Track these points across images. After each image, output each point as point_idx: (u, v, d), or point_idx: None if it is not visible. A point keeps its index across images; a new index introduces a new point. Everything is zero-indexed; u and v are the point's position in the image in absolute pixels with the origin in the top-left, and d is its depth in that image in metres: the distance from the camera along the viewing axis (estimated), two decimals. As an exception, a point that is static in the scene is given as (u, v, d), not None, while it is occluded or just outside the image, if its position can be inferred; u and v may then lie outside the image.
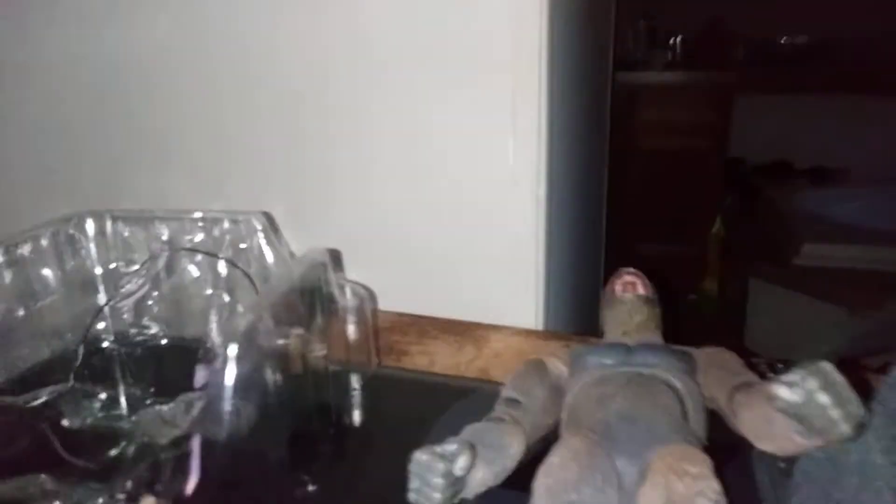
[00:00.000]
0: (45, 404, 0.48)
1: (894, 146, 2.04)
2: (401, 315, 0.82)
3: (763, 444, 0.38)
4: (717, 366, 0.47)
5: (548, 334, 0.83)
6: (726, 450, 0.47)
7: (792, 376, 0.33)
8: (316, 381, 0.52)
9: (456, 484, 0.39)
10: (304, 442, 0.52)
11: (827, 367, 0.33)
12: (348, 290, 0.58)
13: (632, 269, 0.54)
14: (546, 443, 0.44)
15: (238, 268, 0.53)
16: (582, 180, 1.24)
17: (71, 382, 0.50)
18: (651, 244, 2.57)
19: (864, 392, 0.39)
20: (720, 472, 0.48)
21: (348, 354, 0.58)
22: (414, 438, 0.52)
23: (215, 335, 0.39)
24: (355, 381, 0.58)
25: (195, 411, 0.39)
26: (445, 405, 0.58)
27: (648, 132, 2.38)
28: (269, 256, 0.57)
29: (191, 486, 0.37)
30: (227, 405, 0.38)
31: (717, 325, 2.18)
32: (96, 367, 0.53)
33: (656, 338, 0.52)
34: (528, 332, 0.80)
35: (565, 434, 0.44)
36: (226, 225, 0.58)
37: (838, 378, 0.32)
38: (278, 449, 0.50)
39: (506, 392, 0.49)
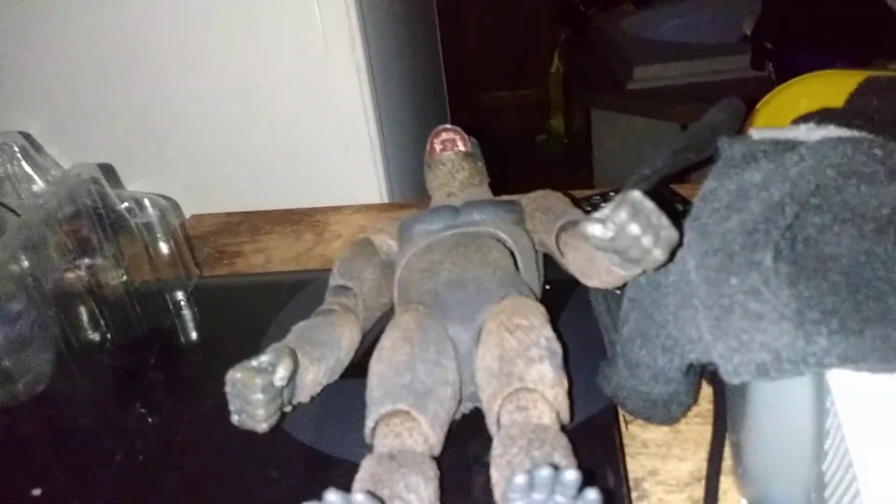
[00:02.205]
0: None
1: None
2: (229, 215, 0.76)
3: (590, 281, 0.38)
4: (542, 210, 0.46)
5: (391, 206, 0.80)
6: (567, 286, 0.47)
7: (601, 212, 0.31)
8: (123, 310, 0.47)
9: (281, 395, 0.36)
10: (129, 376, 0.47)
11: (635, 195, 0.31)
12: (145, 203, 0.51)
13: (448, 126, 0.51)
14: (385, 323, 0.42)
15: (-5, 202, 0.45)
16: (409, 37, 1.17)
17: None
18: (496, 91, 2.56)
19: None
20: (561, 309, 0.48)
21: (160, 272, 0.52)
22: (252, 345, 0.48)
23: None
24: (176, 299, 0.53)
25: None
26: (284, 303, 0.54)
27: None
28: (38, 181, 0.48)
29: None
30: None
31: (567, 160, 2.25)
32: None
33: (483, 192, 0.49)
34: (370, 208, 0.76)
35: (397, 311, 0.42)
36: (-25, 153, 0.49)
37: (647, 205, 0.31)
38: (98, 391, 0.45)
39: (333, 280, 0.46)
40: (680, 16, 2.03)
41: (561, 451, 0.31)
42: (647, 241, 0.31)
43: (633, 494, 0.39)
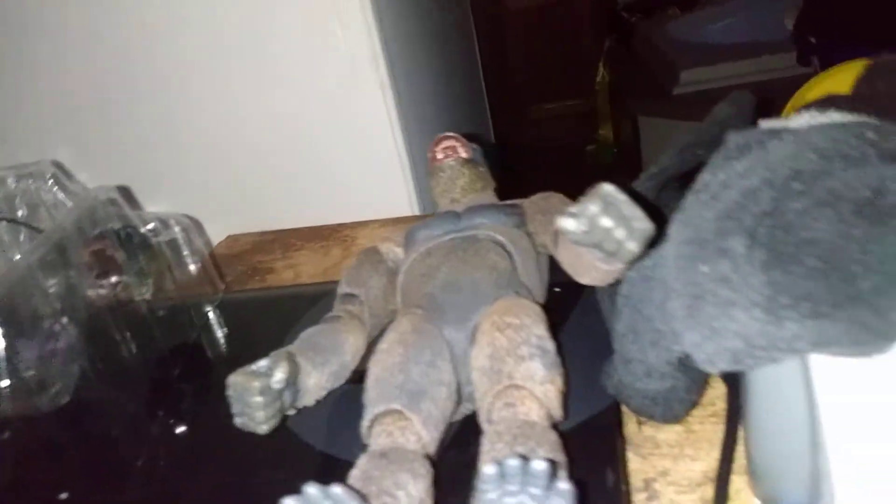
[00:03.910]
0: None
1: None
2: (262, 234, 0.78)
3: (580, 279, 0.38)
4: (541, 211, 0.46)
5: (416, 219, 0.82)
6: (577, 288, 0.47)
7: (574, 206, 0.31)
8: (148, 325, 0.49)
9: (281, 397, 0.37)
10: (153, 388, 0.49)
11: (606, 188, 0.31)
12: (170, 222, 0.54)
13: (449, 133, 0.52)
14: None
15: (28, 226, 0.48)
16: (440, 53, 1.18)
17: None
18: (543, 104, 2.56)
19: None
20: (571, 310, 0.48)
21: (185, 288, 0.54)
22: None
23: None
24: (201, 313, 0.55)
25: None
26: (303, 314, 0.55)
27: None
28: (68, 204, 0.51)
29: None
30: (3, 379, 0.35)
31: (618, 169, 2.22)
32: None
33: (486, 197, 0.50)
34: (396, 221, 0.78)
35: (397, 316, 0.43)
36: (12, 181, 0.52)
37: (620, 197, 0.31)
38: (123, 402, 0.47)
39: (340, 288, 0.47)
40: (725, 17, 1.99)
41: (547, 446, 0.31)
42: (619, 233, 0.31)
43: (643, 495, 0.39)
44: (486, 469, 0.26)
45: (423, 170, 0.88)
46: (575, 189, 0.57)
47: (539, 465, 0.26)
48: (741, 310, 0.27)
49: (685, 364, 0.36)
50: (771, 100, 0.54)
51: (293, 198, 0.84)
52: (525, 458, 0.26)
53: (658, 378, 0.35)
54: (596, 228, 0.30)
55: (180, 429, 0.46)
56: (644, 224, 0.31)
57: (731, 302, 0.27)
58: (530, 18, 2.40)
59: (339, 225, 0.77)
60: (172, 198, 0.69)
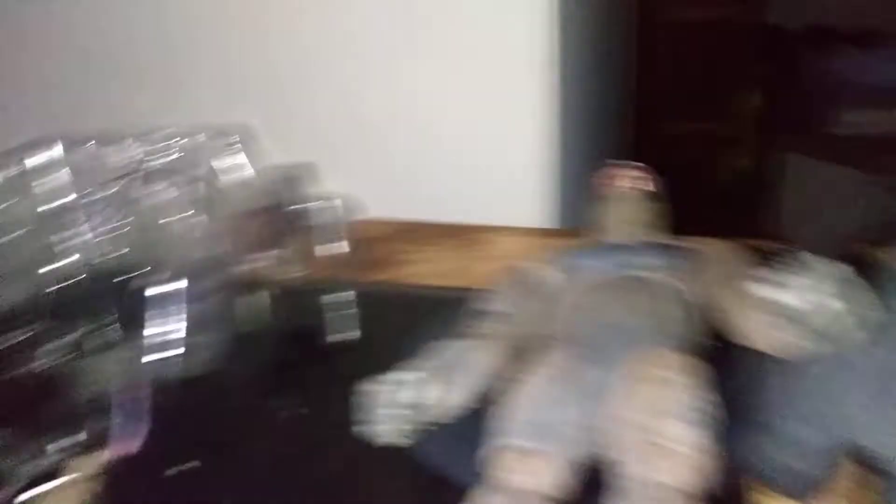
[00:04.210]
0: (12, 348, 0.46)
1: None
2: (400, 223, 0.78)
3: (755, 343, 0.35)
4: (718, 262, 0.43)
5: (555, 232, 0.79)
6: (735, 346, 0.44)
7: (797, 279, 0.29)
8: (295, 304, 0.50)
9: (415, 411, 0.37)
10: (289, 367, 0.50)
11: (844, 270, 0.28)
12: (329, 203, 0.55)
13: (632, 163, 0.50)
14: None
15: (207, 187, 0.50)
16: (601, 61, 1.15)
17: (38, 323, 0.47)
18: (683, 122, 2.45)
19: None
20: (727, 369, 0.45)
21: (333, 271, 0.55)
22: (408, 355, 0.49)
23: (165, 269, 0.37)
24: (344, 299, 0.56)
25: (147, 354, 0.37)
26: (444, 317, 0.54)
27: (678, 3, 2.22)
28: (248, 172, 0.53)
29: (137, 441, 0.35)
30: (180, 344, 0.36)
31: (755, 204, 2.10)
32: (67, 304, 0.51)
33: (659, 235, 0.48)
34: (538, 232, 0.76)
35: (551, 347, 0.41)
36: (201, 140, 0.54)
37: (851, 277, 0.28)
38: (260, 377, 0.48)
39: (489, 305, 0.46)
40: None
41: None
42: (846, 317, 0.28)
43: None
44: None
45: (568, 181, 0.86)
46: (703, 219, 0.54)
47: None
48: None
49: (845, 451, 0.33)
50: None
51: (435, 190, 0.83)
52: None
53: (812, 459, 0.32)
54: (818, 308, 0.28)
55: (303, 415, 0.46)
56: (874, 314, 0.28)
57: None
58: (681, 33, 2.30)
59: (478, 226, 0.76)
60: (330, 177, 0.70)
